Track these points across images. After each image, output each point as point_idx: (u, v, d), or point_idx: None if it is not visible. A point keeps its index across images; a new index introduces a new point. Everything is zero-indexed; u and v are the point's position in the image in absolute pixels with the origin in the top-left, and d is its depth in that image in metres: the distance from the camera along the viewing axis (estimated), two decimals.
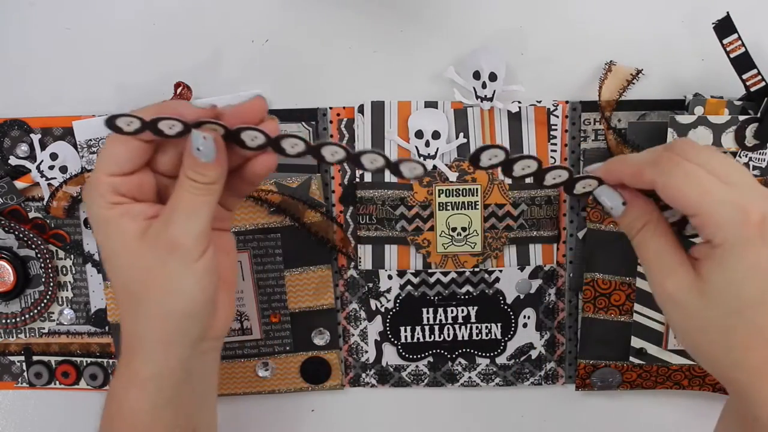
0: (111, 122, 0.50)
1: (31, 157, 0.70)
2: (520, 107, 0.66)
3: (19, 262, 0.71)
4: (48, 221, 0.72)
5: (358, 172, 0.68)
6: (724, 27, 0.63)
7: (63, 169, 0.69)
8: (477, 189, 0.66)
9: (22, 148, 0.70)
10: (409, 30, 0.68)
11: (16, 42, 0.70)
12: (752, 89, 0.63)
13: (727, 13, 0.62)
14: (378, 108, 0.67)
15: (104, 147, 0.53)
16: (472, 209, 0.67)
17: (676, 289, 0.51)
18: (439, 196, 0.66)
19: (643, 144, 0.66)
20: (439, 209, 0.67)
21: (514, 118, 0.66)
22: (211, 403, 0.60)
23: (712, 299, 0.50)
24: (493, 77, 0.64)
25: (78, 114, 0.70)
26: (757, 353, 0.50)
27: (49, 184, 0.70)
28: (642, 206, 0.54)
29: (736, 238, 0.48)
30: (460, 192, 0.66)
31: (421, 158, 0.65)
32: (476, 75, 0.64)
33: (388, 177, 0.67)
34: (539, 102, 0.63)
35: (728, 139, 0.65)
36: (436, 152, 0.66)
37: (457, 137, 0.67)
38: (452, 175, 0.66)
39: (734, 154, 0.65)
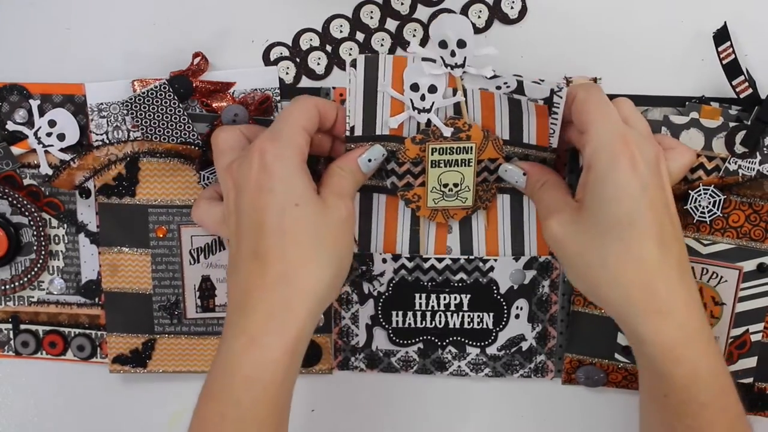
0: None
1: (29, 123, 0.69)
2: (520, 99, 0.63)
3: (11, 229, 0.71)
4: (43, 189, 0.71)
5: (347, 127, 0.64)
6: (721, 35, 0.64)
7: (61, 137, 0.69)
8: (471, 147, 0.64)
9: (20, 114, 0.69)
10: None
11: (13, 41, 0.70)
12: (741, 95, 0.64)
13: (725, 22, 0.64)
14: (372, 62, 0.63)
15: (298, 103, 0.60)
16: (465, 166, 0.64)
17: (559, 224, 0.57)
18: (432, 155, 0.64)
19: None
20: (432, 167, 0.64)
21: (515, 105, 0.63)
22: None
23: (588, 225, 0.55)
24: (461, 44, 0.60)
25: (78, 81, 0.69)
26: (629, 271, 0.54)
27: (46, 152, 0.69)
28: (540, 171, 0.62)
29: (609, 160, 0.54)
30: (454, 150, 0.64)
31: (416, 112, 0.63)
32: (442, 44, 0.61)
33: (380, 129, 0.64)
34: (542, 81, 0.61)
35: (719, 144, 0.65)
36: (431, 106, 0.63)
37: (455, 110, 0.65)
38: (447, 131, 0.63)
39: (724, 159, 0.66)
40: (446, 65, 0.61)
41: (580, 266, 0.57)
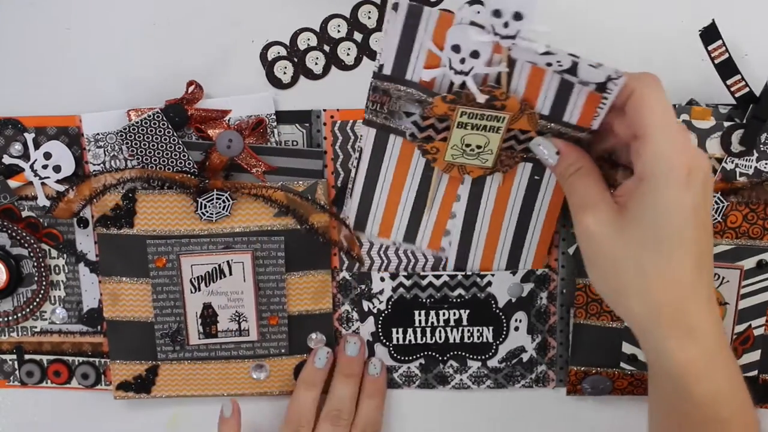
0: None
1: (25, 156, 0.70)
2: (573, 84, 0.58)
3: (11, 261, 0.71)
4: (41, 220, 0.71)
5: (377, 64, 0.61)
6: (710, 34, 0.64)
7: (56, 169, 0.69)
8: (504, 118, 0.60)
9: (16, 147, 0.70)
10: None
11: (13, 41, 0.70)
12: (737, 95, 0.65)
13: (713, 20, 0.64)
14: (414, 12, 0.58)
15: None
16: (493, 132, 0.61)
17: (595, 222, 0.55)
18: (461, 117, 0.60)
19: None
20: (457, 127, 0.61)
21: (566, 87, 0.59)
22: None
23: (630, 231, 0.53)
24: (518, 16, 0.55)
25: (72, 114, 0.70)
26: (663, 288, 0.53)
27: (43, 184, 0.69)
28: (575, 153, 0.59)
29: (667, 173, 0.52)
30: (485, 117, 0.60)
31: (452, 72, 0.58)
32: (496, 13, 0.55)
33: (410, 74, 0.60)
34: (599, 65, 0.55)
35: (713, 145, 0.66)
36: (469, 70, 0.58)
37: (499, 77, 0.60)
38: (481, 97, 0.59)
39: (719, 160, 0.66)
40: (496, 34, 0.56)
41: (609, 270, 0.55)
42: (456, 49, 0.58)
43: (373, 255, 0.71)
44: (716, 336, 0.54)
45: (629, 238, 0.53)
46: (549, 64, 0.57)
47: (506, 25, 0.55)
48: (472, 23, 0.57)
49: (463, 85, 0.59)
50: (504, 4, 0.54)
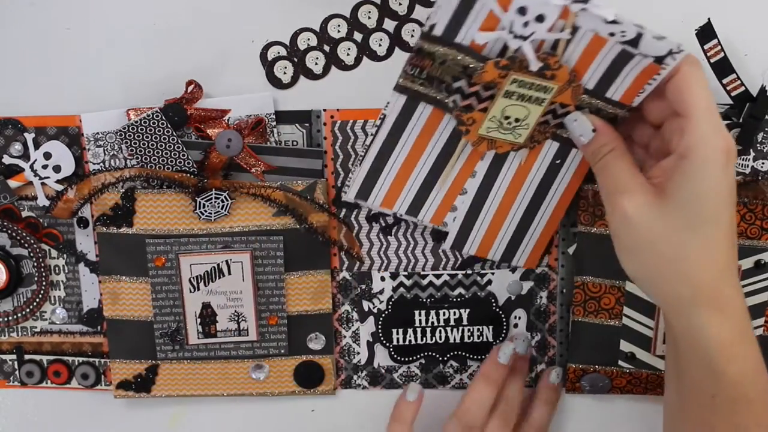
0: None
1: (25, 156, 0.70)
2: (634, 55, 0.56)
3: (11, 261, 0.71)
4: (41, 220, 0.71)
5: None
6: (706, 33, 0.64)
7: (56, 169, 0.69)
8: (553, 88, 0.58)
9: (16, 147, 0.70)
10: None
11: (13, 41, 0.70)
12: (732, 94, 0.64)
13: (708, 19, 0.63)
14: None
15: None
16: (536, 104, 0.59)
17: (632, 206, 0.54)
18: (510, 85, 0.58)
19: None
20: (504, 96, 0.58)
21: (624, 58, 0.57)
22: None
23: (670, 213, 0.53)
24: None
25: (72, 114, 0.70)
26: (703, 269, 0.53)
27: (43, 184, 0.69)
28: (610, 133, 0.58)
29: (709, 154, 0.52)
30: (534, 86, 0.58)
31: (511, 36, 0.55)
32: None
33: (462, 37, 0.57)
34: (663, 38, 0.54)
35: None
36: (530, 35, 0.55)
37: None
38: (535, 65, 0.56)
39: None
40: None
41: (647, 255, 0.55)
42: (522, 11, 0.55)
43: (373, 255, 0.71)
44: (745, 314, 0.55)
45: (669, 221, 0.53)
46: (612, 34, 0.55)
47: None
48: None
49: (518, 50, 0.56)
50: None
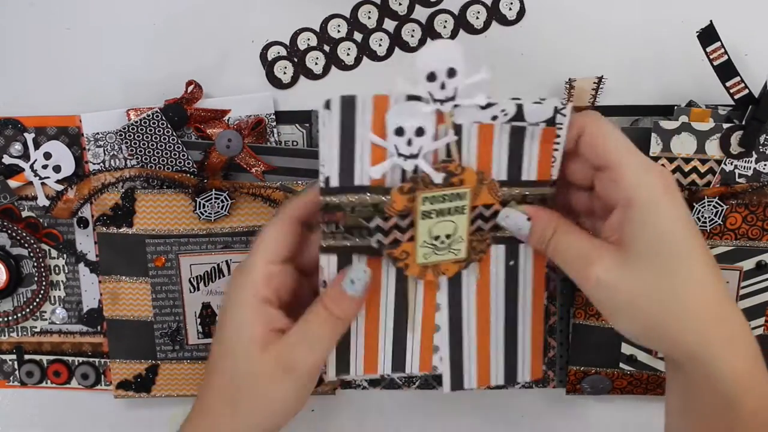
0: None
1: (25, 156, 0.70)
2: (524, 127, 0.55)
3: (11, 261, 0.71)
4: (41, 220, 0.71)
5: (322, 178, 0.55)
6: (708, 35, 0.63)
7: (56, 169, 0.69)
8: (466, 193, 0.55)
9: (16, 147, 0.70)
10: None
11: (13, 41, 0.70)
12: (736, 97, 0.64)
13: (711, 21, 0.63)
14: (348, 104, 0.53)
15: (264, 231, 0.56)
16: (458, 214, 0.56)
17: (602, 271, 0.51)
18: (423, 205, 0.55)
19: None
20: (422, 218, 0.55)
21: (517, 133, 0.55)
22: None
23: (638, 265, 0.51)
24: (451, 73, 0.52)
25: (72, 114, 0.70)
26: (702, 308, 0.51)
27: (43, 184, 0.69)
28: (546, 215, 0.55)
29: (650, 194, 0.50)
30: (447, 198, 0.55)
31: (401, 158, 0.53)
32: (431, 77, 0.52)
33: (359, 179, 0.54)
34: (542, 100, 0.54)
35: (712, 147, 0.65)
36: (419, 151, 0.54)
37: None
38: (438, 177, 0.54)
39: (719, 162, 0.66)
40: (435, 101, 0.53)
41: (634, 312, 0.52)
42: (399, 132, 0.53)
43: None
44: (753, 339, 0.52)
45: (642, 274, 0.51)
46: (495, 117, 0.54)
47: (443, 86, 0.52)
48: (409, 97, 0.52)
49: (416, 169, 0.54)
50: (432, 65, 0.51)
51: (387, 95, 0.52)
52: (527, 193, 0.57)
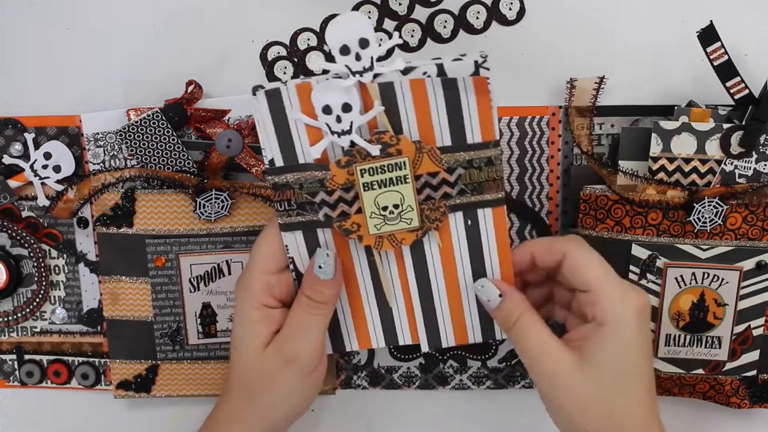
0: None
1: (25, 156, 0.70)
2: (455, 78, 0.55)
3: (11, 261, 0.71)
4: (41, 220, 0.71)
5: (266, 161, 0.58)
6: (708, 35, 0.64)
7: (56, 169, 0.69)
8: (405, 162, 0.56)
9: (16, 147, 0.70)
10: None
11: (13, 41, 0.70)
12: (736, 97, 0.64)
13: (711, 21, 0.63)
14: (273, 95, 0.56)
15: (258, 244, 0.60)
16: (402, 184, 0.57)
17: (559, 369, 0.56)
18: (362, 176, 0.57)
19: (635, 150, 0.67)
20: (365, 190, 0.57)
21: (450, 87, 0.55)
22: None
23: (593, 374, 0.56)
24: (364, 43, 0.53)
25: (72, 114, 0.70)
26: (630, 423, 0.57)
27: (43, 184, 0.69)
28: (517, 297, 0.59)
29: (621, 319, 0.55)
30: (386, 168, 0.56)
31: (335, 135, 0.56)
32: (344, 50, 0.53)
33: (302, 158, 0.57)
34: (463, 56, 0.53)
35: (712, 147, 0.65)
36: (350, 127, 0.55)
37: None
38: (374, 149, 0.56)
39: (719, 162, 0.66)
40: (353, 73, 0.54)
41: (577, 414, 0.57)
42: (327, 110, 0.55)
43: None
44: None
45: (595, 382, 0.56)
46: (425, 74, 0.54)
47: (358, 57, 0.53)
48: (329, 75, 0.54)
49: (352, 144, 0.56)
50: (342, 38, 0.53)
51: (309, 82, 0.55)
52: (474, 158, 0.57)
